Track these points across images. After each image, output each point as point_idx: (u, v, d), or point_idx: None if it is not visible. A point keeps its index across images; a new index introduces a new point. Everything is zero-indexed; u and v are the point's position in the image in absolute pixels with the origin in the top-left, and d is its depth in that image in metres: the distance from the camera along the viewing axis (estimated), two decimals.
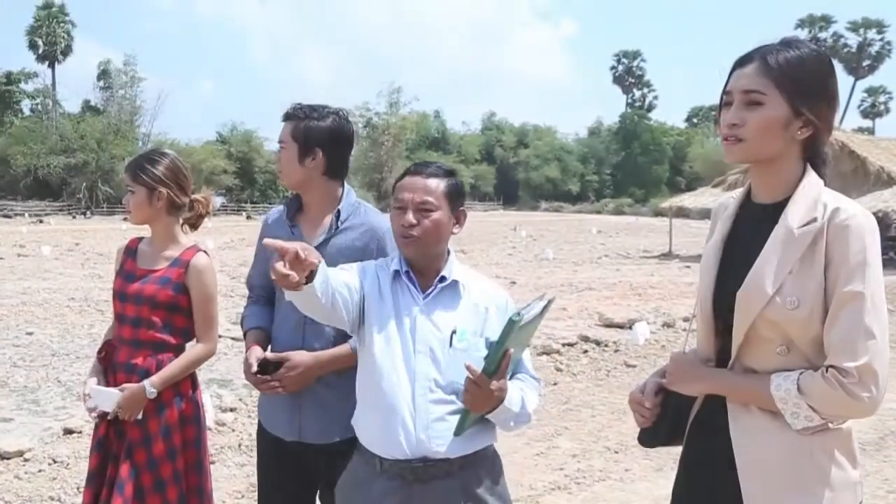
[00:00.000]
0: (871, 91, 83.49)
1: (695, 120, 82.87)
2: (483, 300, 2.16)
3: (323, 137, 2.56)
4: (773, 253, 1.67)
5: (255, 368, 2.44)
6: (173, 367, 2.83)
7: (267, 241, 1.81)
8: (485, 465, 2.13)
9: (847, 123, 68.25)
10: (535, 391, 2.19)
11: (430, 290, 2.13)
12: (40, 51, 60.68)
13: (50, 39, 60.41)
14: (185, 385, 2.92)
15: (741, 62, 1.74)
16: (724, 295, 1.75)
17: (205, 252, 2.95)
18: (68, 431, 5.57)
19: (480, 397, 1.93)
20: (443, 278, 2.14)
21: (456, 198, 2.16)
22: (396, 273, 2.15)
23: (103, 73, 56.45)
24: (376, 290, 2.15)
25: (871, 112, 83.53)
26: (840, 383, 1.58)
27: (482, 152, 72.22)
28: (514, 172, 71.61)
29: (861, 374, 1.57)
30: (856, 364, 1.57)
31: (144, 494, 2.77)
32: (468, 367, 1.90)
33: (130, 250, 2.98)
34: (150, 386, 2.77)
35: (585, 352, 8.70)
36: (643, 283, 15.91)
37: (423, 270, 2.16)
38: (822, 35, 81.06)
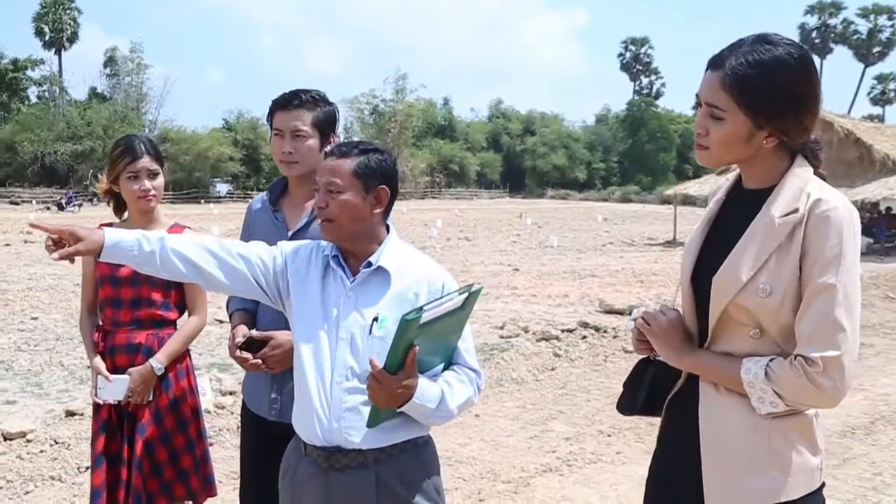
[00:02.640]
0: (882, 78, 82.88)
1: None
2: (414, 285, 2.07)
3: (335, 122, 2.66)
4: (751, 241, 1.70)
5: (240, 344, 2.49)
6: (175, 341, 2.94)
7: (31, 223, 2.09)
8: (406, 458, 2.04)
9: (856, 111, 67.96)
10: (469, 385, 2.08)
11: (357, 276, 2.08)
12: (47, 38, 60.67)
13: (56, 26, 60.40)
14: (185, 357, 3.04)
15: (711, 65, 1.72)
16: (703, 278, 1.79)
17: (189, 228, 3.03)
18: (70, 413, 5.66)
19: (382, 393, 1.86)
20: (369, 264, 2.08)
21: (369, 176, 2.07)
22: (328, 257, 2.13)
23: (110, 61, 56.51)
24: (303, 272, 2.13)
25: (881, 99, 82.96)
26: (805, 372, 1.61)
27: (489, 140, 72.06)
28: (520, 160, 71.44)
29: (826, 364, 1.60)
30: (822, 355, 1.60)
31: (161, 467, 2.90)
32: (371, 362, 1.86)
33: None
34: (157, 363, 2.88)
35: (584, 338, 8.74)
36: (646, 270, 15.93)
37: (354, 253, 2.12)
38: (832, 21, 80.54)
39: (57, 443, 5.11)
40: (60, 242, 2.01)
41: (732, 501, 1.72)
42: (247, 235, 2.80)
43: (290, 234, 2.62)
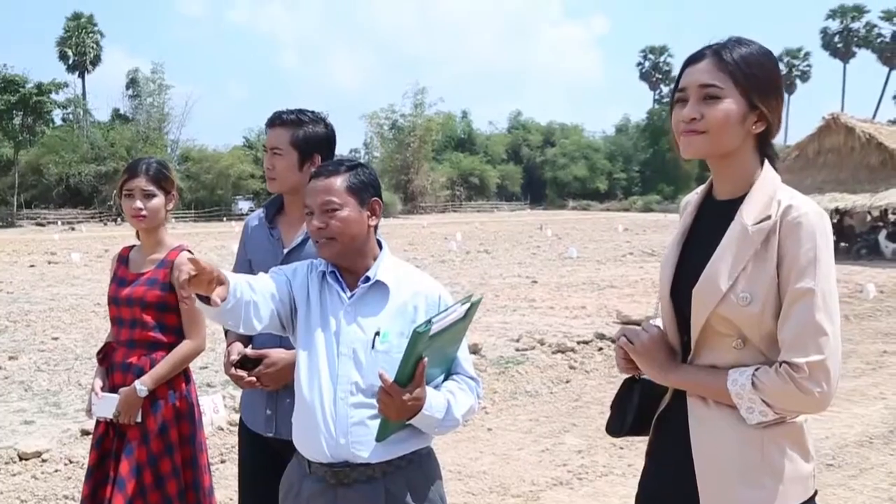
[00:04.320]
0: None
1: None
2: (412, 299, 2.10)
3: (321, 143, 2.67)
4: (727, 250, 1.70)
5: (234, 362, 2.51)
6: (163, 365, 2.94)
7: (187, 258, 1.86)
8: (412, 469, 2.07)
9: (882, 115, 66.97)
10: (470, 393, 2.12)
11: (356, 290, 2.10)
12: (70, 61, 61.69)
13: (79, 50, 61.39)
14: (179, 382, 3.03)
15: (693, 59, 1.77)
16: (683, 291, 1.78)
17: (189, 251, 3.05)
18: (85, 433, 5.70)
19: (393, 406, 1.88)
20: (367, 279, 2.10)
21: (362, 190, 2.11)
22: (324, 274, 2.14)
23: (132, 82, 57.22)
24: (304, 292, 2.14)
25: None
26: (792, 378, 1.61)
27: (509, 152, 72.03)
28: (540, 171, 71.30)
29: (812, 369, 1.60)
30: (807, 360, 1.60)
31: (146, 491, 2.88)
32: (381, 376, 1.87)
33: (123, 258, 3.13)
34: (141, 384, 2.88)
35: (600, 349, 8.68)
36: None
37: (351, 269, 2.13)
38: (855, 25, 79.73)
39: (71, 462, 5.16)
40: (197, 282, 1.84)
41: None
42: (243, 251, 2.84)
43: (285, 251, 2.65)
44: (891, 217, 22.70)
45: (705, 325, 1.73)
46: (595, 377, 7.68)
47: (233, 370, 2.53)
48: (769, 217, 1.68)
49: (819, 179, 21.77)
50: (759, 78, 1.71)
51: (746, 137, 1.74)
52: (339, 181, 2.09)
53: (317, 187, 2.10)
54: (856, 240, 21.86)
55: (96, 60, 63.21)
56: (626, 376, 2.00)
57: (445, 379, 2.12)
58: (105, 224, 44.77)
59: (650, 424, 1.93)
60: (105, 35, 64.35)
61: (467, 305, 1.95)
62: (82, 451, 5.34)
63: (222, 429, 5.87)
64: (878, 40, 79.08)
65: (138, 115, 55.40)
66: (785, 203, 1.68)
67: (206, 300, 1.91)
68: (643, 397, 1.94)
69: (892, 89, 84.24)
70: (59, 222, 44.22)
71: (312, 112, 2.70)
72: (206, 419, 5.00)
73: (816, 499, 1.77)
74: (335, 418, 2.02)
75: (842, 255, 21.65)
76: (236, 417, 6.23)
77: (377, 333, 2.04)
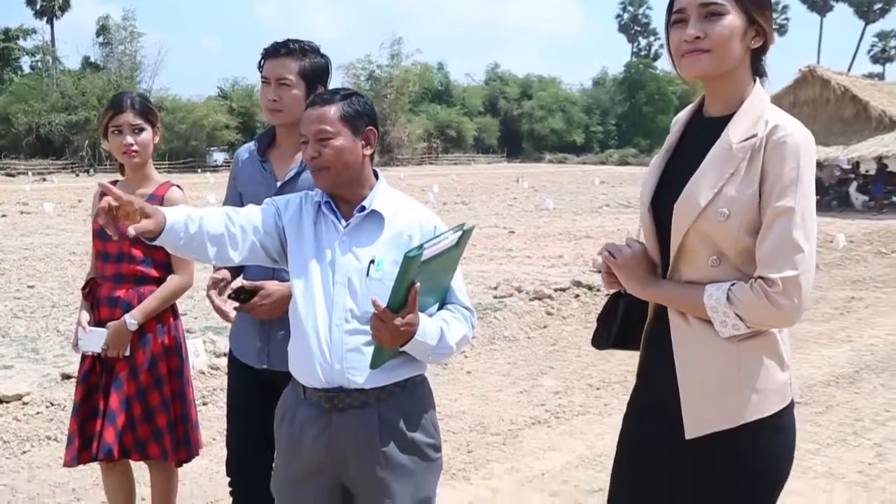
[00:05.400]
0: (882, 35, 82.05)
1: None
2: (407, 228, 2.12)
3: (325, 73, 2.67)
4: (710, 166, 1.74)
5: (227, 290, 2.52)
6: (152, 299, 2.95)
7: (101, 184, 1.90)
8: (405, 396, 2.10)
9: (856, 69, 67.18)
10: (464, 322, 2.14)
11: (351, 220, 2.12)
12: (38, 6, 59.98)
13: None
14: (167, 316, 3.05)
15: None
16: (664, 205, 1.83)
17: (178, 187, 3.04)
18: (66, 377, 5.72)
19: (386, 332, 1.90)
20: (362, 208, 2.12)
21: (356, 119, 2.11)
22: (320, 205, 2.15)
23: (102, 29, 55.82)
24: (296, 222, 2.15)
25: (882, 57, 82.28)
26: (766, 293, 1.67)
27: (486, 104, 71.53)
28: (518, 124, 70.98)
29: (785, 284, 1.66)
30: (781, 275, 1.66)
31: (136, 423, 2.92)
32: (374, 302, 1.89)
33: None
34: (131, 318, 2.90)
35: (577, 296, 8.79)
36: None
37: (347, 199, 2.14)
38: None
39: (53, 405, 5.18)
40: (116, 216, 1.84)
41: (710, 424, 1.77)
42: (234, 185, 2.82)
43: (278, 184, 2.63)
44: (862, 169, 22.96)
45: (684, 240, 1.77)
46: (571, 323, 7.80)
47: (213, 296, 2.54)
48: (755, 135, 1.71)
49: None
50: None
51: (745, 54, 1.77)
52: (334, 110, 2.09)
53: (311, 116, 2.10)
54: (827, 191, 22.16)
55: (65, 6, 61.51)
56: (612, 291, 2.04)
57: (440, 308, 2.14)
58: (77, 175, 44.05)
59: (633, 339, 1.99)
60: None
61: (459, 233, 1.97)
62: (63, 394, 5.36)
63: (203, 372, 5.91)
64: None
65: (109, 64, 54.23)
66: (772, 122, 1.72)
67: (149, 237, 1.93)
68: (627, 312, 1.99)
69: (867, 43, 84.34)
70: (30, 173, 43.41)
71: (309, 42, 2.69)
72: (189, 364, 5.04)
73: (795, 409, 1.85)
74: (330, 344, 2.05)
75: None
76: (217, 362, 6.30)
77: (372, 261, 2.06)
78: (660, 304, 1.87)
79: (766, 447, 1.79)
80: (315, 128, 2.08)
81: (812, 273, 1.70)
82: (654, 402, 1.91)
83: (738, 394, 1.75)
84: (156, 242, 1.96)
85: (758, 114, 1.75)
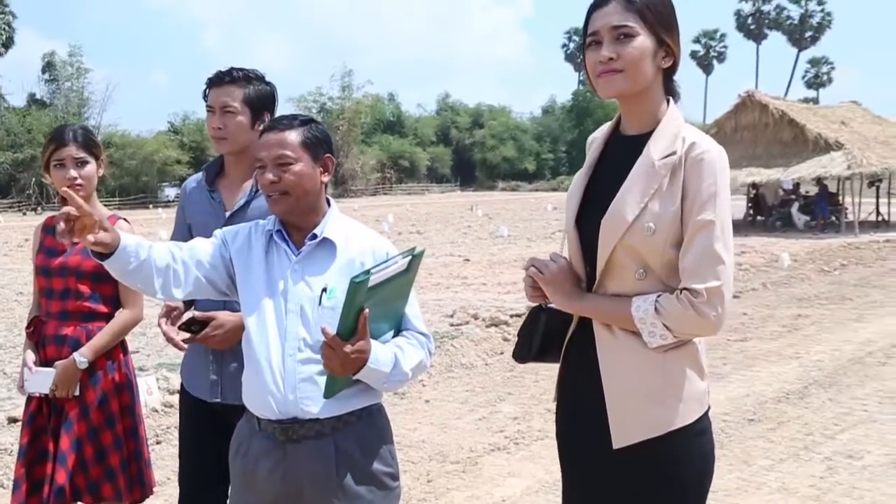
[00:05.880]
0: (815, 62, 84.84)
1: None
2: (359, 255, 2.10)
3: (270, 101, 2.68)
4: (635, 183, 1.82)
5: (179, 321, 2.50)
6: (102, 335, 2.89)
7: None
8: (362, 425, 2.08)
9: (792, 94, 69.33)
10: (420, 348, 2.12)
11: (303, 248, 2.10)
12: None
13: None
14: (117, 352, 2.99)
15: (600, 3, 1.86)
16: (588, 222, 1.89)
17: (125, 220, 3.01)
18: (12, 420, 5.56)
19: (336, 360, 1.88)
20: (314, 236, 2.10)
21: (316, 145, 2.11)
22: (271, 234, 2.14)
23: (48, 66, 54.86)
24: (245, 252, 2.14)
25: (815, 83, 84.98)
26: (692, 303, 1.74)
27: (438, 134, 71.94)
28: (470, 153, 71.46)
29: (710, 294, 1.74)
30: (705, 286, 1.74)
31: (87, 464, 2.85)
32: (323, 330, 1.87)
33: (48, 228, 3.00)
34: (80, 356, 2.83)
35: None
36: None
37: (300, 226, 2.13)
38: (766, 7, 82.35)
39: None
40: (73, 227, 1.85)
41: (638, 433, 1.83)
42: (182, 216, 2.80)
43: (227, 214, 2.63)
44: (801, 190, 23.63)
45: (611, 255, 1.83)
46: None
47: (164, 326, 2.51)
48: (675, 153, 1.80)
49: (736, 155, 22.43)
50: (663, 14, 1.84)
51: (657, 73, 1.86)
52: (294, 135, 2.08)
53: (270, 140, 2.08)
54: (770, 212, 22.75)
55: (9, 43, 60.13)
56: (533, 305, 2.08)
57: (396, 336, 2.13)
58: (24, 213, 42.97)
59: (554, 351, 2.03)
60: (17, 16, 61.54)
61: (409, 258, 1.96)
62: (10, 438, 5.20)
63: (157, 410, 5.81)
64: (788, 22, 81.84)
65: (56, 100, 53.23)
66: (689, 140, 1.81)
67: (101, 256, 1.95)
68: (548, 325, 2.04)
69: (801, 69, 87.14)
70: None
71: (254, 70, 2.70)
72: (140, 401, 4.93)
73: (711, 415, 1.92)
74: (283, 374, 2.03)
75: (758, 227, 22.51)
76: (170, 399, 6.19)
77: (324, 290, 2.04)
78: (585, 316, 1.93)
79: (693, 451, 1.87)
80: (275, 152, 2.06)
81: (732, 282, 1.79)
82: (579, 413, 1.95)
83: (665, 402, 1.82)
84: (107, 262, 1.97)
85: (675, 132, 1.83)
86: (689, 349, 1.85)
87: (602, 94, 1.87)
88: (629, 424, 1.83)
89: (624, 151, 1.89)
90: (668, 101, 1.90)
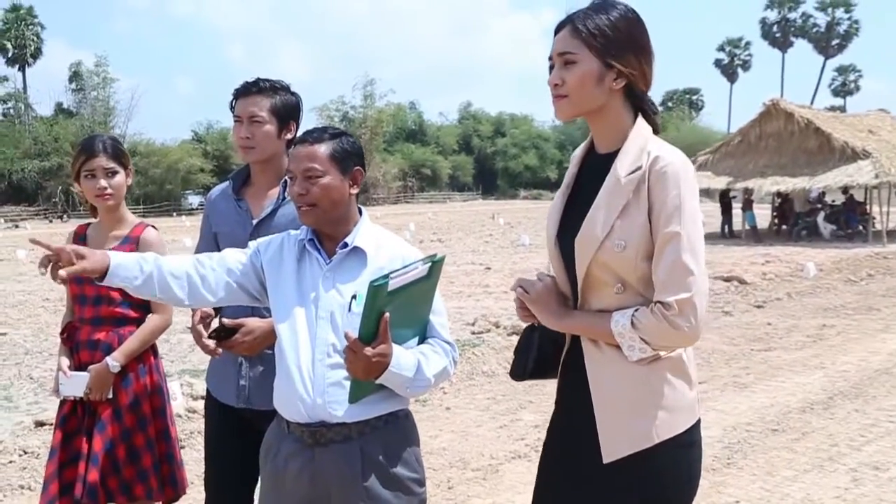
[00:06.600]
0: (842, 70, 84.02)
1: (669, 104, 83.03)
2: (389, 264, 2.11)
3: (296, 111, 2.72)
4: (603, 200, 1.83)
5: (206, 330, 2.51)
6: (133, 340, 2.96)
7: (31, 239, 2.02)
8: (388, 430, 2.11)
9: (818, 102, 68.76)
10: (444, 356, 2.14)
11: (334, 257, 2.15)
12: (10, 54, 59.87)
13: (19, 42, 59.58)
14: (148, 356, 3.05)
15: (557, 29, 1.90)
16: (568, 240, 1.91)
17: (153, 227, 3.07)
18: (39, 424, 5.66)
19: (358, 363, 1.91)
20: (345, 245, 2.14)
21: (345, 158, 2.14)
22: (303, 242, 2.18)
23: (75, 75, 55.72)
24: (277, 261, 2.19)
25: (843, 91, 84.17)
26: (665, 316, 1.75)
27: (460, 143, 72.04)
28: (492, 162, 71.51)
29: (681, 306, 1.74)
30: (676, 298, 1.74)
31: (120, 465, 2.91)
32: (346, 334, 1.91)
33: (79, 236, 3.10)
34: (113, 361, 2.90)
35: None
36: None
37: (331, 236, 2.17)
38: (792, 15, 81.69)
39: (26, 453, 5.11)
40: (58, 262, 1.98)
41: (626, 446, 1.83)
42: (208, 226, 2.83)
43: (254, 221, 2.66)
44: (827, 199, 23.38)
45: (588, 272, 1.85)
46: None
47: (199, 326, 2.51)
48: (640, 168, 1.81)
49: (761, 164, 22.33)
50: (612, 39, 1.83)
51: (611, 94, 1.86)
52: (323, 148, 2.13)
53: (300, 153, 2.13)
54: (796, 221, 22.52)
55: (37, 53, 61.43)
56: (526, 325, 2.09)
57: (421, 343, 2.15)
58: (51, 221, 43.59)
59: (551, 368, 2.04)
60: (46, 27, 62.62)
61: (429, 264, 1.98)
62: (37, 441, 5.28)
63: (180, 416, 5.85)
64: (814, 30, 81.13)
65: (83, 109, 53.99)
66: (654, 154, 1.81)
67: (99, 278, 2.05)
68: (542, 343, 2.05)
69: (827, 77, 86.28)
70: (2, 220, 42.93)
71: (280, 81, 2.74)
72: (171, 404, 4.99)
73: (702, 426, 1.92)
74: (313, 379, 2.07)
75: (784, 236, 22.30)
76: (194, 405, 6.25)
77: (354, 297, 2.08)
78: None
79: (681, 462, 1.87)
80: (304, 165, 2.11)
81: (705, 291, 1.78)
82: (572, 426, 1.95)
83: (651, 414, 1.82)
84: (106, 282, 2.05)
85: (640, 147, 1.84)
86: (675, 360, 1.86)
87: (556, 116, 1.92)
88: (617, 438, 1.84)
89: (596, 169, 1.91)
90: (636, 116, 1.90)
